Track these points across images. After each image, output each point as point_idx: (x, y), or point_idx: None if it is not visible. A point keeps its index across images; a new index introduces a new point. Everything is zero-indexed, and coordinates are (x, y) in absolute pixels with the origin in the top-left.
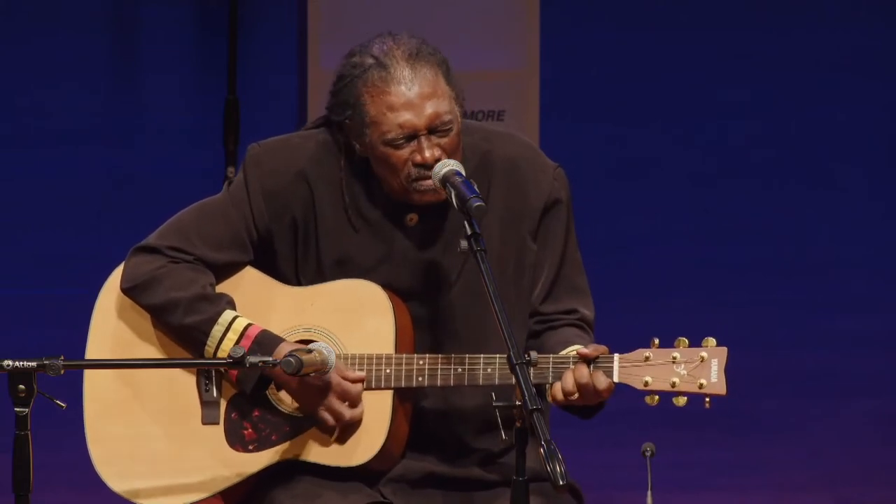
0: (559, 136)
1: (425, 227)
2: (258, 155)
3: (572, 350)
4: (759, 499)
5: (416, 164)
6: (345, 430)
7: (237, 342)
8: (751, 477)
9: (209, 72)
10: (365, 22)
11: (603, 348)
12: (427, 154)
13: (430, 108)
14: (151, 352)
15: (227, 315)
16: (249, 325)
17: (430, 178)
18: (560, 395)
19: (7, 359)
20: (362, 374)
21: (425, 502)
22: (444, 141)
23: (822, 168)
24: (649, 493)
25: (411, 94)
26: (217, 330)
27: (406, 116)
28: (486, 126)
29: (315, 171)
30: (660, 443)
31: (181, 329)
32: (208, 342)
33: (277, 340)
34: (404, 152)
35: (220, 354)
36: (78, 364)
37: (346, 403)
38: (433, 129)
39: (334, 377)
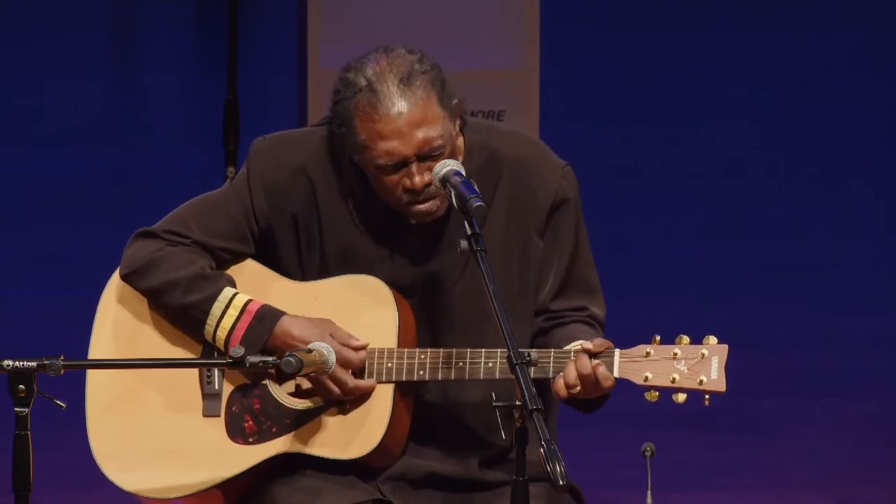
0: (559, 136)
1: (429, 224)
2: (262, 149)
3: (576, 345)
4: (759, 499)
5: (406, 190)
6: (346, 422)
7: (238, 318)
8: (751, 477)
9: (209, 72)
10: (365, 22)
11: (607, 343)
12: (417, 180)
13: (419, 135)
14: (156, 346)
15: (227, 292)
16: (250, 300)
17: (422, 202)
18: (563, 391)
19: (7, 359)
20: (365, 342)
21: (425, 502)
22: (435, 165)
23: (822, 168)
24: (649, 493)
25: (400, 123)
26: (217, 307)
27: (394, 144)
28: (492, 124)
29: (316, 167)
30: (660, 443)
31: (180, 309)
32: (208, 321)
33: (279, 314)
34: (394, 178)
35: (219, 332)
36: (78, 364)
37: (350, 372)
38: (423, 157)
39: (334, 344)
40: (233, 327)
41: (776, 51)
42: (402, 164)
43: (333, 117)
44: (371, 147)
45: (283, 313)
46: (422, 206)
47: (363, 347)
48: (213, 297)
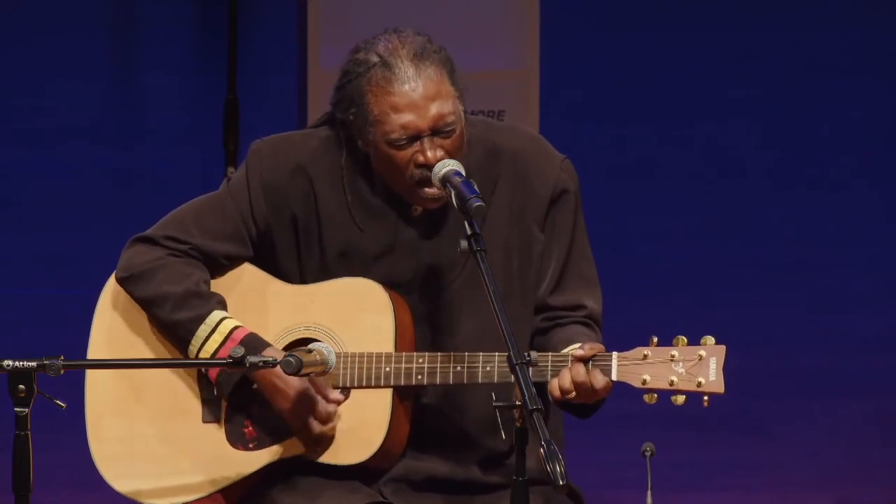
0: (559, 136)
1: (430, 217)
2: (260, 150)
3: (573, 348)
4: (759, 499)
5: (419, 165)
6: (345, 427)
7: (222, 343)
8: (751, 477)
9: (209, 72)
10: (365, 22)
11: (599, 347)
12: (430, 155)
13: (434, 110)
14: (153, 350)
15: (216, 316)
16: (236, 327)
17: (431, 185)
18: (557, 393)
19: (7, 359)
20: (342, 396)
21: None
22: (446, 142)
23: (822, 168)
24: (649, 493)
25: (415, 96)
26: (203, 330)
27: (409, 118)
28: (490, 120)
29: (315, 166)
30: (660, 443)
31: (168, 324)
32: (192, 341)
33: (263, 344)
34: (407, 153)
35: (202, 355)
36: (78, 364)
37: (318, 419)
38: (436, 131)
39: (313, 392)
40: (215, 353)
41: (776, 51)
42: (416, 138)
43: (340, 101)
44: (385, 121)
45: (267, 344)
46: (431, 190)
47: (338, 402)
48: (201, 319)
